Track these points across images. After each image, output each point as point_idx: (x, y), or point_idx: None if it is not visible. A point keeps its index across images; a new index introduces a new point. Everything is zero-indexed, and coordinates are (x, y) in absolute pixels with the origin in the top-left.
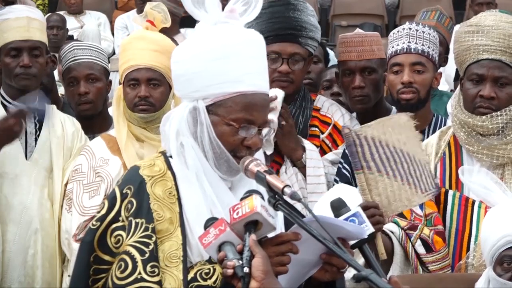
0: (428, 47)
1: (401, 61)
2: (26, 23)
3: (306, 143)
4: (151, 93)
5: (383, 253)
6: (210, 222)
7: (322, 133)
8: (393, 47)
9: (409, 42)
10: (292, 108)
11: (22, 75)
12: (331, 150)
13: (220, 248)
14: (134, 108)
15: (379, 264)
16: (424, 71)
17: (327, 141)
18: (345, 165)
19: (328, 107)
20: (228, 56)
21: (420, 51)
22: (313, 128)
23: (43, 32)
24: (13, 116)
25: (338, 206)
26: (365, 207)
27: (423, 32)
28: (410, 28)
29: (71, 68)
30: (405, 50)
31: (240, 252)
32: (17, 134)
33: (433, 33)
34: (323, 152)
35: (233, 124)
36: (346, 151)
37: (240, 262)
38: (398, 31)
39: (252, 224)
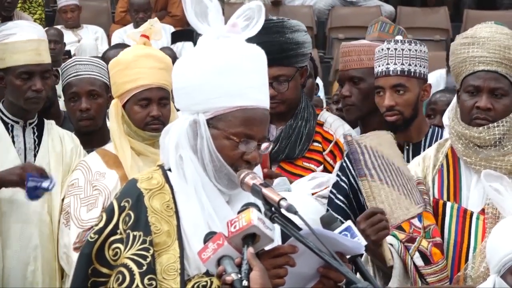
0: (409, 65)
1: (381, 84)
2: (37, 46)
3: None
4: (162, 111)
5: (390, 258)
6: (209, 236)
7: (324, 150)
8: (375, 68)
9: (387, 63)
10: (296, 121)
11: (33, 99)
12: (332, 167)
13: (219, 262)
14: (145, 127)
15: (381, 274)
16: (405, 91)
17: (328, 158)
18: (343, 178)
19: (331, 123)
20: (229, 70)
21: (399, 72)
22: (316, 144)
23: (47, 51)
24: (19, 168)
25: (329, 221)
26: (372, 213)
27: (402, 49)
28: (388, 48)
29: (72, 84)
30: (384, 73)
31: (239, 266)
32: (13, 184)
33: (414, 46)
34: (325, 170)
35: (233, 138)
36: (347, 159)
37: (239, 275)
38: (378, 51)
39: (250, 237)
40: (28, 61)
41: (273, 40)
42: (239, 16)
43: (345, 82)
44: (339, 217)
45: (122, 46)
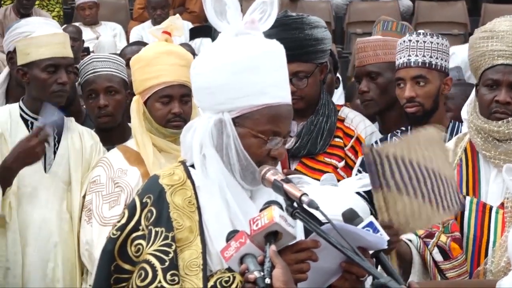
0: (430, 57)
1: (402, 76)
2: (63, 40)
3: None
4: (183, 108)
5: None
6: (231, 235)
7: (345, 145)
8: (397, 60)
9: (409, 55)
10: (318, 117)
11: (59, 92)
12: (354, 163)
13: (241, 260)
14: (166, 124)
15: (401, 271)
16: (426, 83)
17: (350, 154)
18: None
19: (352, 119)
20: (252, 68)
21: (420, 64)
22: (337, 139)
23: (69, 46)
24: (34, 135)
25: (351, 217)
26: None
27: (424, 42)
28: (410, 40)
29: (90, 81)
30: (405, 65)
31: (262, 264)
32: (39, 157)
33: (436, 39)
34: (347, 165)
35: (261, 136)
36: (362, 168)
37: (262, 273)
38: (400, 44)
39: (272, 235)
40: (55, 54)
41: (292, 37)
42: (253, 11)
43: (362, 78)
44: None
45: (141, 43)
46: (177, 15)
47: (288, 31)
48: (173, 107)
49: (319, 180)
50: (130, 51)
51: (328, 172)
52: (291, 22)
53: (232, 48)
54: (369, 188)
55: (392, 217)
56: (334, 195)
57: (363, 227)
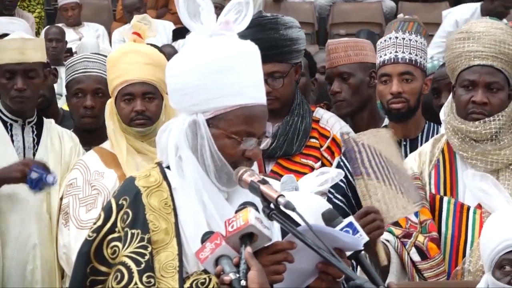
0: (416, 55)
1: (389, 72)
2: (21, 45)
3: None
4: (147, 106)
5: (384, 259)
6: (207, 236)
7: (321, 146)
8: (380, 57)
9: (396, 51)
10: (293, 118)
11: (17, 98)
12: (330, 163)
13: (217, 262)
14: (130, 123)
15: (379, 271)
16: (412, 80)
17: (326, 154)
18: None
19: (327, 120)
20: (226, 69)
21: (407, 60)
22: (313, 140)
23: (39, 50)
24: (21, 164)
25: (331, 218)
26: (366, 212)
27: (410, 40)
28: (396, 37)
29: (79, 80)
30: (392, 60)
31: (237, 265)
32: (15, 180)
33: (420, 39)
34: (323, 166)
35: (234, 137)
36: (344, 157)
37: (237, 275)
38: (385, 41)
39: (248, 237)
40: (10, 60)
41: (267, 37)
42: (229, 11)
43: (333, 79)
44: None
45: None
46: (145, 14)
47: (263, 32)
48: (135, 105)
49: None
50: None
51: (305, 173)
52: (266, 23)
53: (206, 49)
54: (329, 184)
55: (374, 204)
56: (298, 202)
57: (343, 227)
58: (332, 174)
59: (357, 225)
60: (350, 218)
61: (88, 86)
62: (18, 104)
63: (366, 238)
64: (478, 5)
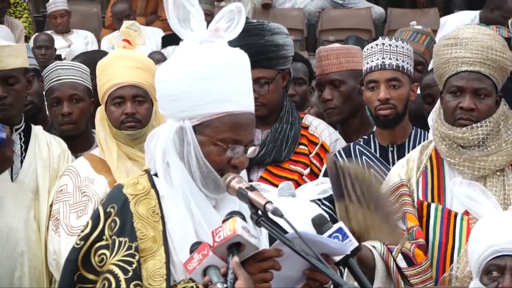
0: (403, 61)
1: (376, 78)
2: None
3: None
4: (137, 109)
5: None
6: (194, 247)
7: (310, 153)
8: (367, 63)
9: (383, 58)
10: (282, 125)
11: None
12: (319, 170)
13: (205, 272)
14: (120, 126)
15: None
16: (400, 86)
17: (315, 161)
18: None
19: (316, 126)
20: (214, 76)
21: (394, 67)
22: (302, 147)
23: (19, 56)
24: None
25: (320, 223)
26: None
27: (397, 46)
28: (383, 44)
29: (54, 88)
30: (379, 67)
31: (225, 275)
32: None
33: (407, 46)
34: (312, 172)
35: (220, 144)
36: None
37: (225, 285)
38: (371, 47)
39: (235, 246)
40: None
41: (252, 43)
42: (220, 19)
43: (325, 86)
44: None
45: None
46: (133, 21)
47: (248, 37)
48: (125, 108)
49: None
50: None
51: (294, 179)
52: (251, 29)
53: (194, 56)
54: (328, 194)
55: (353, 226)
56: (292, 208)
57: (333, 233)
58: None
59: (346, 230)
60: (340, 224)
61: (62, 93)
62: (1, 112)
63: (355, 244)
64: (477, 13)
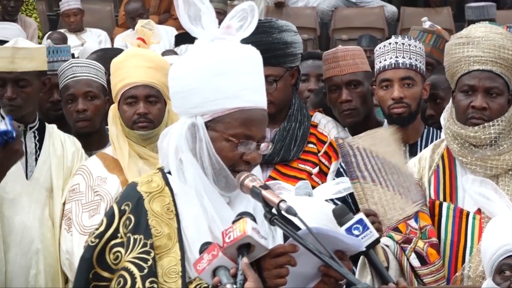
0: (416, 60)
1: (390, 77)
2: (11, 54)
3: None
4: (149, 109)
5: (383, 260)
6: (204, 247)
7: (319, 151)
8: (380, 62)
9: (396, 57)
10: (290, 123)
11: (7, 107)
12: (328, 168)
13: (214, 273)
14: (133, 126)
15: (376, 276)
16: (413, 85)
17: (323, 160)
18: None
19: (325, 124)
20: (225, 72)
21: (408, 65)
22: (310, 145)
23: (34, 59)
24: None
25: (341, 214)
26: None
27: (410, 45)
28: (396, 43)
29: (69, 86)
30: (393, 66)
31: (234, 276)
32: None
33: (419, 45)
34: (321, 171)
35: (232, 139)
36: (341, 161)
37: (234, 286)
38: (384, 46)
39: (245, 247)
40: (0, 69)
41: (260, 40)
42: (232, 18)
43: (341, 87)
44: None
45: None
46: (148, 20)
47: (256, 35)
48: (138, 108)
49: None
50: None
51: (302, 178)
52: (259, 26)
53: (206, 53)
54: (345, 193)
55: (371, 207)
56: (305, 207)
57: (353, 224)
58: (348, 185)
59: (367, 221)
60: (361, 215)
61: (77, 90)
62: (11, 113)
63: (376, 235)
64: None
